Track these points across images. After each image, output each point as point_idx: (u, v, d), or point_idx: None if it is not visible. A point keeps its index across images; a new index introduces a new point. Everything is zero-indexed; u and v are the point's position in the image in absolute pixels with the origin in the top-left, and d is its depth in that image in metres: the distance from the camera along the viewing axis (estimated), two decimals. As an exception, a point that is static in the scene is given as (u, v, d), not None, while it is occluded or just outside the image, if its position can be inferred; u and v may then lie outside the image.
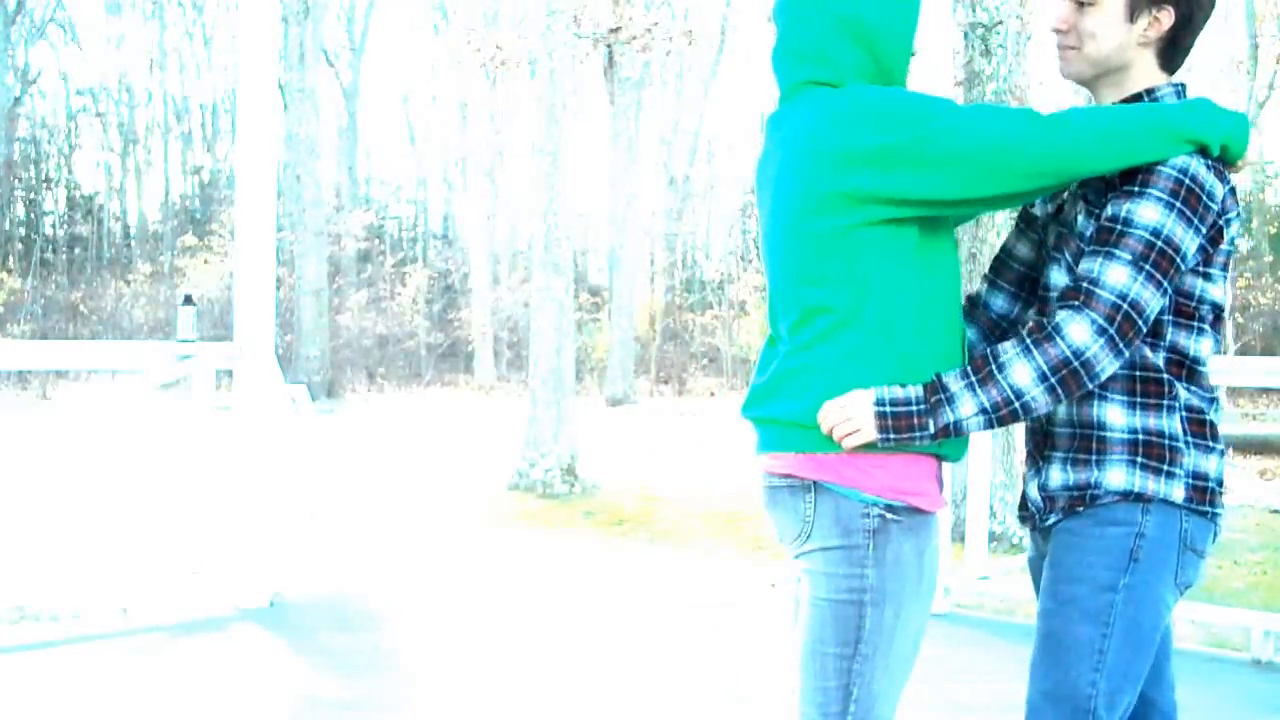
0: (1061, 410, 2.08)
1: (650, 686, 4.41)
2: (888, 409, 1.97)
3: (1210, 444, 2.07)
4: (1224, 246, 2.01)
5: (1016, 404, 1.96)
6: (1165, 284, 1.95)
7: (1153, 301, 1.94)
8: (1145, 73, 2.09)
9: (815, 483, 2.02)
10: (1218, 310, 2.06)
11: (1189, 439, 2.04)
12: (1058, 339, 1.93)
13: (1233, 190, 2.02)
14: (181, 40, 32.46)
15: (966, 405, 1.97)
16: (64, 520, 7.90)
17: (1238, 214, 2.03)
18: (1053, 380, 1.94)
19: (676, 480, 10.91)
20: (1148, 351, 2.02)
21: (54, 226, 30.63)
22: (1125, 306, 1.93)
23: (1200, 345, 2.05)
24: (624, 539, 8.14)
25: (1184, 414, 2.04)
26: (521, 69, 17.53)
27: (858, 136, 1.96)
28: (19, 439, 13.20)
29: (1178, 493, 2.03)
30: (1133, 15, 2.05)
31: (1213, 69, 27.12)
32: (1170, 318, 2.02)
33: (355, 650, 4.80)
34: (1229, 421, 17.93)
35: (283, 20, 20.79)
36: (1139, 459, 2.03)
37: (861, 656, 2.03)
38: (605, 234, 24.47)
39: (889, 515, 2.01)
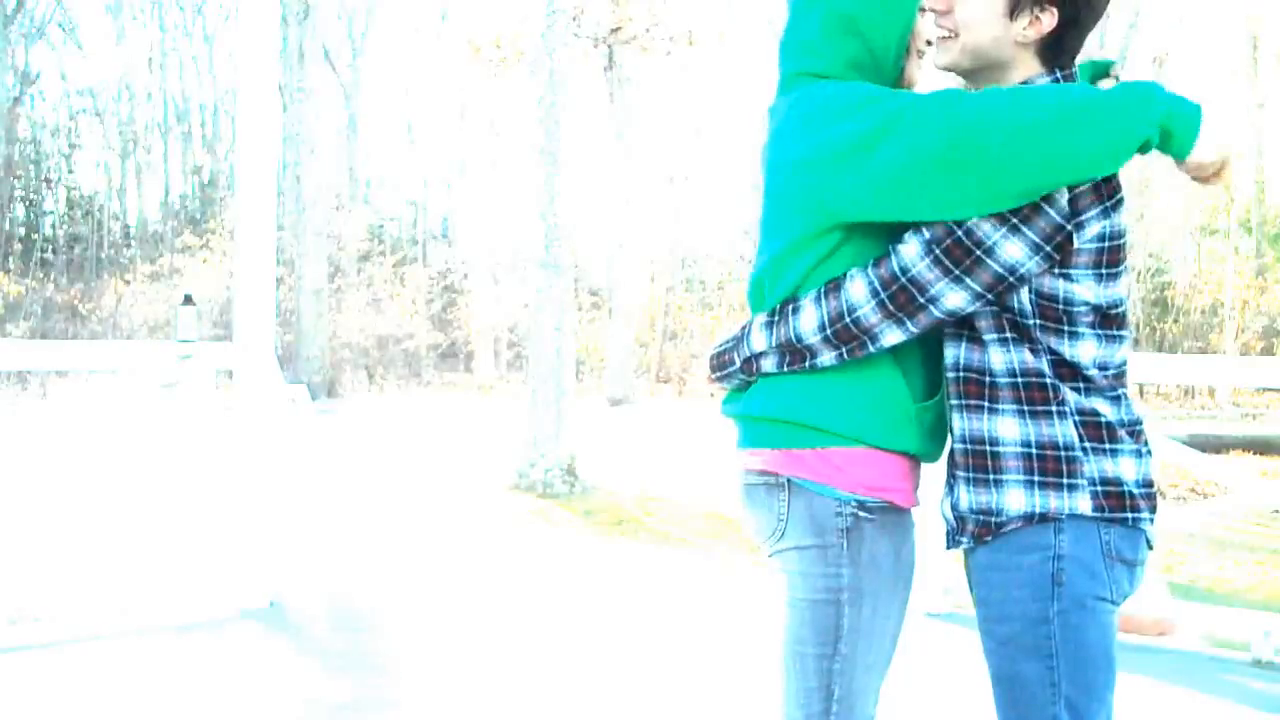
0: (957, 425, 2.04)
1: (649, 686, 4.41)
2: (714, 349, 2.14)
3: (1115, 447, 1.98)
4: (1086, 246, 1.91)
5: (799, 346, 2.00)
6: (959, 273, 1.91)
7: (939, 284, 1.92)
8: (1023, 70, 2.01)
9: (790, 480, 2.04)
10: (1101, 311, 1.96)
11: (1086, 445, 1.97)
12: (840, 292, 1.97)
13: (1099, 185, 1.90)
14: (181, 40, 32.46)
15: (759, 341, 2.05)
16: (64, 520, 7.90)
17: (1107, 208, 1.91)
18: (829, 331, 1.98)
19: (676, 480, 10.91)
20: (1029, 356, 1.97)
21: (54, 226, 30.61)
22: (903, 280, 1.93)
23: (1079, 349, 1.96)
24: (624, 539, 8.14)
25: (1077, 419, 1.97)
26: (521, 69, 17.53)
27: (796, 145, 2.01)
28: (18, 439, 13.18)
29: (1084, 504, 1.96)
30: (1013, 12, 1.97)
31: (1213, 69, 27.15)
32: (1037, 321, 1.96)
33: (355, 651, 4.80)
34: (1229, 421, 17.94)
35: (283, 20, 20.79)
36: (1035, 476, 1.97)
37: (841, 656, 2.04)
38: (605, 234, 24.49)
39: (862, 513, 2.02)
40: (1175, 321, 24.74)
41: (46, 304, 26.66)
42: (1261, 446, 13.68)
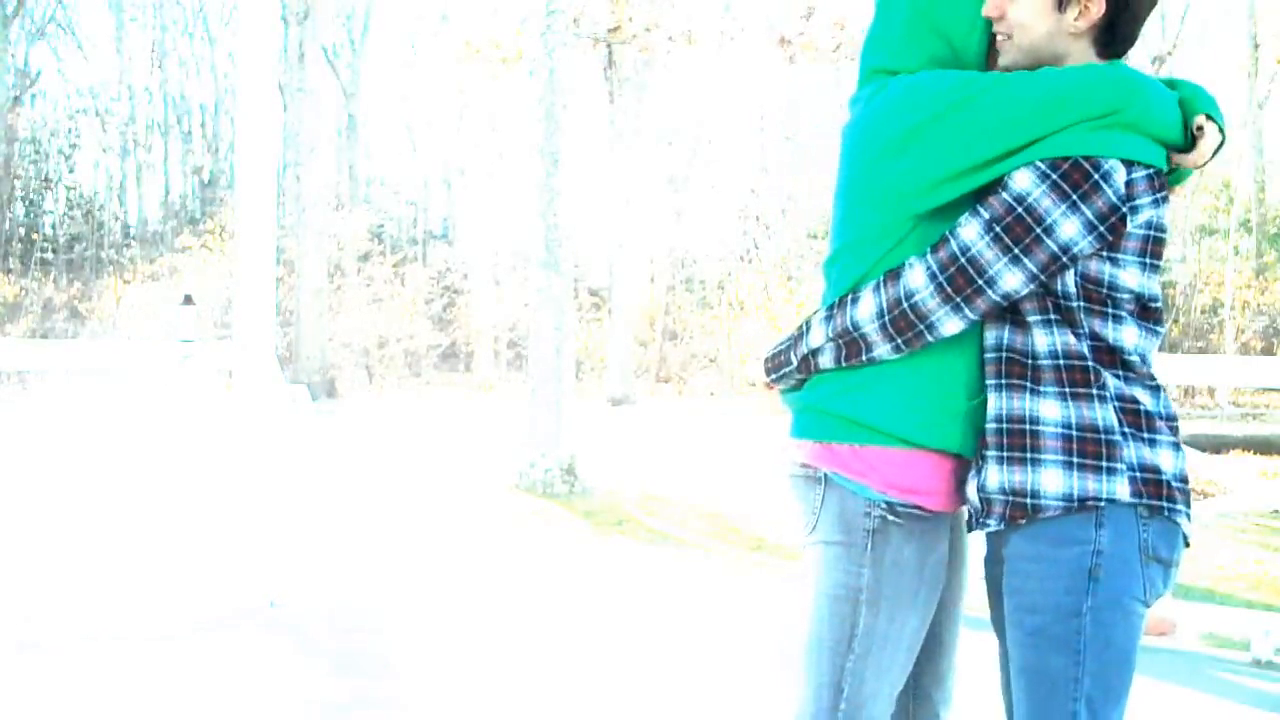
0: (994, 404, 2.03)
1: (649, 686, 4.41)
2: (770, 350, 2.13)
3: (1154, 436, 1.98)
4: (1135, 231, 1.95)
5: (855, 334, 2.01)
6: (1018, 251, 1.93)
7: (998, 264, 1.93)
8: (1079, 60, 2.05)
9: (827, 475, 2.05)
10: (1142, 300, 1.99)
11: (1126, 430, 1.96)
12: (899, 279, 1.98)
13: (1153, 175, 1.96)
14: (181, 40, 32.45)
15: (817, 335, 2.06)
16: (63, 520, 7.89)
17: (1157, 199, 1.96)
18: (886, 319, 1.98)
19: (676, 480, 10.91)
20: (1071, 338, 1.98)
21: (54, 226, 30.60)
22: (962, 260, 1.94)
23: (1122, 334, 1.98)
24: (624, 539, 8.14)
25: (1117, 404, 1.97)
26: (521, 69, 17.52)
27: (870, 138, 2.04)
28: (18, 439, 13.19)
29: (1122, 489, 1.95)
30: (1061, 4, 2.02)
31: (1213, 69, 27.14)
32: (1081, 304, 1.97)
33: (355, 652, 4.80)
34: (1229, 421, 17.93)
35: (283, 20, 20.78)
36: (1075, 458, 1.95)
37: (855, 655, 2.05)
38: (605, 234, 24.49)
39: (891, 517, 2.02)
40: (1175, 321, 24.73)
41: (46, 304, 26.65)
42: (1261, 446, 13.67)
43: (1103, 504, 1.94)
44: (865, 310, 1.99)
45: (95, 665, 4.51)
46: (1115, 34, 2.04)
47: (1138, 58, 24.67)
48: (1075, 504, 1.95)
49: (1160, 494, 1.96)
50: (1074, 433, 1.96)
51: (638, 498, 9.93)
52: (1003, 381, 2.02)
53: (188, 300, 5.52)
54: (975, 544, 2.24)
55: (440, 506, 9.27)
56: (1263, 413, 20.05)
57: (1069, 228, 1.91)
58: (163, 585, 5.75)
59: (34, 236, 29.50)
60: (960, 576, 2.23)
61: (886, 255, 2.02)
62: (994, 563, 2.12)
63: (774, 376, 2.15)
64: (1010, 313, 2.02)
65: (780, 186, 28.57)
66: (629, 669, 4.63)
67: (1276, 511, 8.76)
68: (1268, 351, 23.44)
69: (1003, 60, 2.09)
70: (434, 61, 31.51)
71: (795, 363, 2.10)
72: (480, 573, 6.67)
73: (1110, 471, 1.95)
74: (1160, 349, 2.07)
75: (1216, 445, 12.86)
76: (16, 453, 11.13)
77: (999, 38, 2.08)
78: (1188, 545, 2.04)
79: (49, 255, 29.53)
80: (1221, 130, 2.04)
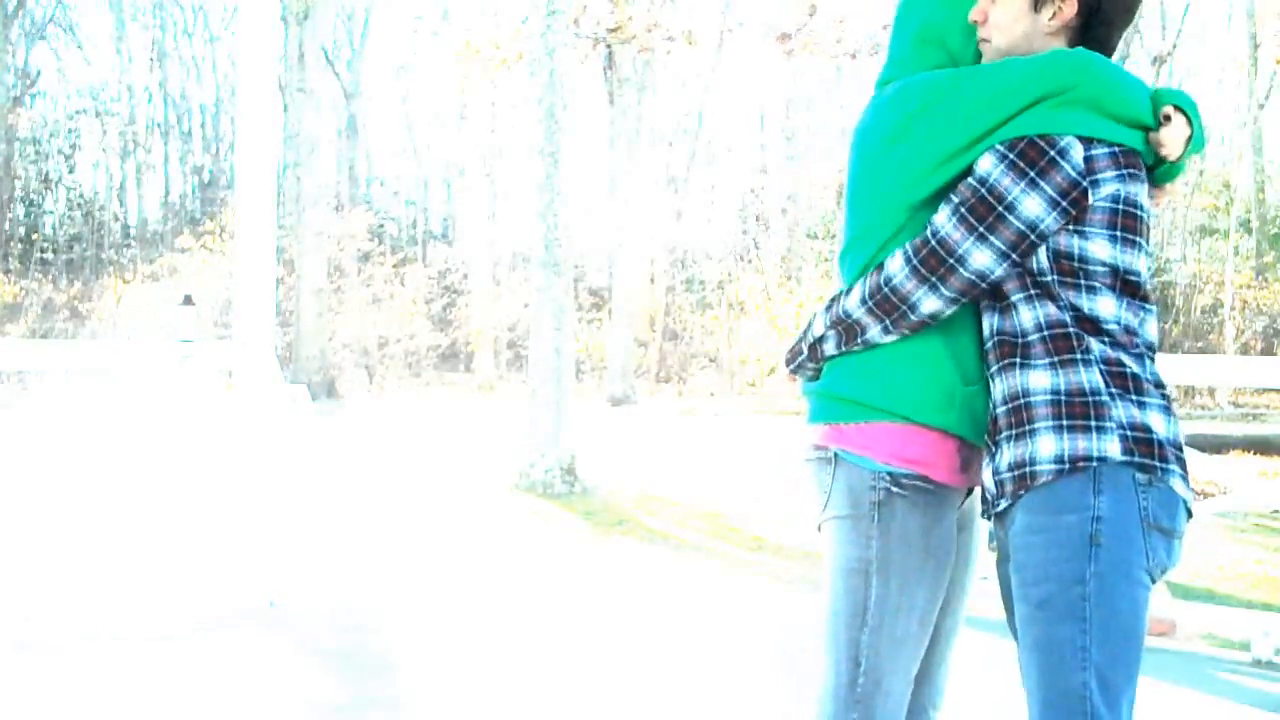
0: (997, 389, 2.10)
1: (649, 686, 4.41)
2: (790, 345, 2.26)
3: (1142, 399, 2.02)
4: (1100, 204, 2.00)
5: (848, 321, 2.13)
6: (983, 230, 2.01)
7: (965, 244, 2.02)
8: None
9: (837, 454, 2.14)
10: (1118, 273, 2.03)
11: (1113, 391, 2.00)
12: (881, 266, 2.11)
13: (1117, 154, 2.01)
14: (182, 40, 32.46)
15: (819, 325, 2.19)
16: (63, 521, 7.89)
17: (1124, 175, 2.01)
18: (870, 303, 2.10)
19: (676, 480, 10.90)
20: (1053, 309, 2.04)
21: (54, 227, 30.59)
22: (933, 242, 2.04)
23: (1098, 305, 2.02)
24: (624, 539, 8.14)
25: (1102, 367, 2.01)
26: (521, 69, 17.52)
27: (869, 137, 2.16)
28: (18, 439, 13.19)
29: (1113, 447, 1.97)
30: (1037, 5, 2.10)
31: (1213, 69, 27.14)
32: (1056, 278, 2.04)
33: (355, 652, 4.80)
34: (1229, 421, 17.94)
35: (283, 20, 20.77)
36: (1064, 421, 2.00)
37: (869, 628, 2.10)
38: (605, 234, 24.47)
39: (895, 489, 2.09)
40: (1175, 321, 24.72)
41: (46, 304, 26.64)
42: (1261, 446, 13.65)
43: (1094, 463, 1.97)
44: (855, 298, 2.12)
45: (95, 665, 4.51)
46: (1088, 36, 2.11)
47: (1138, 58, 24.68)
48: (1067, 465, 1.98)
49: (1152, 453, 1.99)
50: (1062, 397, 2.01)
51: (637, 498, 9.93)
52: (999, 365, 2.10)
53: (187, 300, 5.51)
54: (979, 548, 2.26)
55: (440, 507, 9.27)
56: (1263, 413, 20.04)
57: (1031, 204, 1.99)
58: (163, 585, 5.75)
59: (34, 236, 29.49)
60: (963, 580, 2.25)
61: (885, 246, 2.13)
62: (1003, 561, 2.14)
63: (792, 367, 2.29)
64: (997, 298, 2.09)
65: (780, 186, 28.54)
66: (629, 669, 4.63)
67: (1276, 511, 8.75)
68: (1268, 351, 23.44)
69: (984, 62, 2.18)
70: (434, 61, 31.52)
71: (806, 352, 2.23)
72: (480, 573, 6.67)
73: (1100, 430, 1.99)
74: (1160, 349, 2.10)
75: (1216, 445, 12.85)
76: (16, 453, 11.13)
77: (981, 42, 2.16)
78: (1190, 515, 2.05)
79: (49, 255, 29.52)
80: (1192, 124, 2.09)
